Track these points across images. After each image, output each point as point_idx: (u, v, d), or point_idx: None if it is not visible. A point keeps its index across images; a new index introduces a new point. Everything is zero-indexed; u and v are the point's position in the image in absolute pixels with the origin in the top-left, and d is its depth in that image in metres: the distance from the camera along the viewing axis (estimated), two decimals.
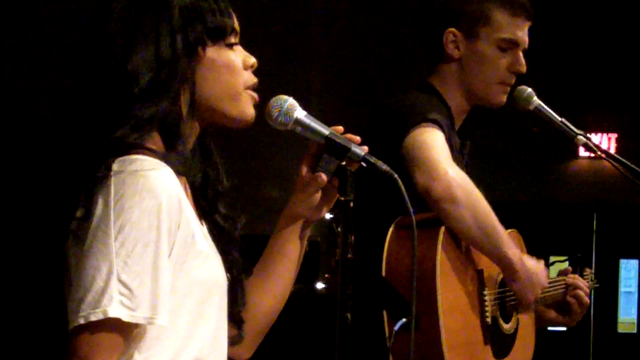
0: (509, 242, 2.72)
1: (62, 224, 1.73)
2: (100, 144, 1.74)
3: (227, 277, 1.89)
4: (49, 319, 1.78)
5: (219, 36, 1.85)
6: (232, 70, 1.86)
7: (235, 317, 1.94)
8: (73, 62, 1.84)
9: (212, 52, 1.84)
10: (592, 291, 3.31)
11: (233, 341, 1.94)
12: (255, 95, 1.90)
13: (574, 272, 3.16)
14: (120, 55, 1.77)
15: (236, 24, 1.88)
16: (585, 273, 3.23)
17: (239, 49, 1.89)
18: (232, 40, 1.87)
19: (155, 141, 1.79)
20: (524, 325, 2.95)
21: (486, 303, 2.74)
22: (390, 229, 2.63)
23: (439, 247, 2.58)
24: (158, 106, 1.77)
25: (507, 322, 2.86)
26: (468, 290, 2.70)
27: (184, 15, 1.81)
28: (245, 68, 1.89)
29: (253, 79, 1.90)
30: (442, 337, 2.51)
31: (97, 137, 1.74)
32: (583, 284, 3.10)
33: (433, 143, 2.67)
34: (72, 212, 1.72)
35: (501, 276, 2.82)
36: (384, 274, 2.59)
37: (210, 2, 1.84)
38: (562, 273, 3.14)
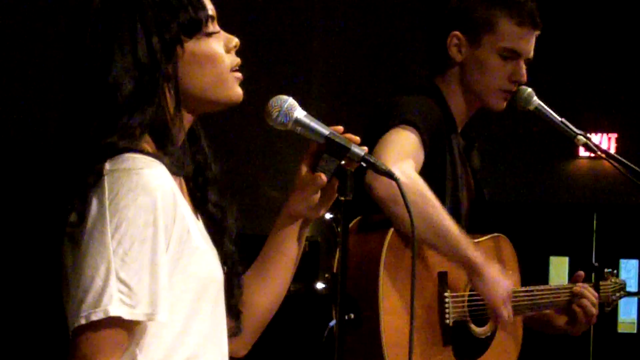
0: (469, 244, 2.67)
1: (58, 227, 1.73)
2: (92, 150, 1.73)
3: (223, 271, 1.89)
4: (49, 322, 1.78)
5: (196, 29, 1.83)
6: (214, 60, 1.85)
7: (233, 310, 1.94)
8: (60, 71, 1.83)
9: (192, 46, 1.83)
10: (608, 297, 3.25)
11: (232, 333, 1.94)
12: (239, 75, 1.88)
13: (590, 281, 3.11)
14: (100, 67, 1.76)
15: (212, 10, 1.86)
16: (604, 284, 3.19)
17: (219, 33, 1.87)
18: (211, 27, 1.85)
19: (146, 142, 1.79)
20: (504, 330, 2.90)
21: (447, 305, 2.72)
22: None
23: (385, 248, 2.56)
24: (145, 112, 1.76)
25: (480, 325, 2.82)
26: (424, 292, 2.67)
27: (157, 17, 1.79)
28: (228, 51, 1.87)
29: (236, 60, 1.88)
30: (382, 336, 2.52)
31: (88, 145, 1.74)
32: (590, 294, 3.04)
33: (396, 143, 2.62)
34: (67, 216, 1.71)
35: None
36: (335, 270, 2.59)
37: None
38: (573, 280, 3.09)
